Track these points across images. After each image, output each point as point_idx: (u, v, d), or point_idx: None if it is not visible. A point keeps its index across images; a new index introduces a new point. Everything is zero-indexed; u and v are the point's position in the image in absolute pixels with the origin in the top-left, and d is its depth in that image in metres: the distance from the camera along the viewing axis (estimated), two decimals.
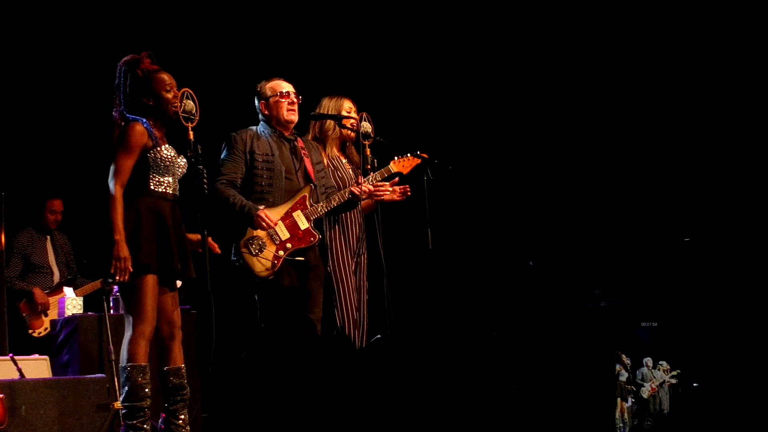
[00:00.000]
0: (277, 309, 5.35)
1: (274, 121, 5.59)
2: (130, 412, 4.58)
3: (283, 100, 5.56)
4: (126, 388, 4.56)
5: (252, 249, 5.34)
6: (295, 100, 5.61)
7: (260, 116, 5.65)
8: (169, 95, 4.70)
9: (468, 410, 5.16)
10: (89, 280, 6.98)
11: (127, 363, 4.56)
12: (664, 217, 8.25)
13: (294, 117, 5.60)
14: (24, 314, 6.97)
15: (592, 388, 6.54)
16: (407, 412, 5.01)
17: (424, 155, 5.77)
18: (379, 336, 5.49)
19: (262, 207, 5.37)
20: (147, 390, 4.57)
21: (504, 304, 8.02)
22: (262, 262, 5.33)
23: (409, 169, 5.78)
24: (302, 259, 5.39)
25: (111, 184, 4.54)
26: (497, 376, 5.46)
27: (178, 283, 4.86)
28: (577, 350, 6.75)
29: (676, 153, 8.30)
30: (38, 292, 7.00)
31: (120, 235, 4.47)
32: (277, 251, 5.35)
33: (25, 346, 6.42)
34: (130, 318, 4.59)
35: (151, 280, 4.59)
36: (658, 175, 8.35)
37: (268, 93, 5.60)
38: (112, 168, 4.57)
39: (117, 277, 4.48)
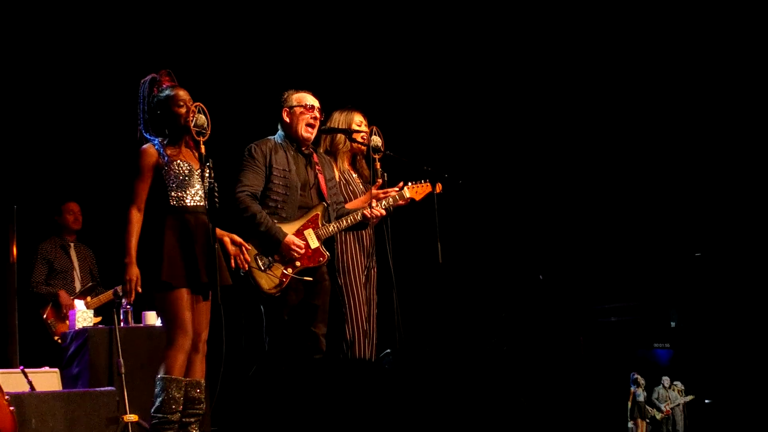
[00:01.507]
0: (282, 325, 5.33)
1: (292, 132, 5.52)
2: (160, 423, 4.62)
3: (306, 114, 5.51)
4: (160, 399, 4.61)
5: (261, 264, 5.31)
6: (317, 115, 5.55)
7: (280, 124, 5.58)
8: (182, 110, 4.78)
9: (477, 425, 5.15)
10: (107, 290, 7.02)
11: (164, 374, 4.62)
12: (674, 233, 8.24)
13: (310, 135, 5.54)
14: (49, 320, 6.98)
15: (603, 405, 6.52)
16: (416, 427, 5.00)
17: (439, 185, 5.74)
18: (388, 350, 5.48)
19: (284, 227, 5.34)
20: (180, 403, 4.62)
21: (514, 319, 8.00)
22: (270, 278, 5.30)
23: (422, 196, 5.75)
24: (311, 279, 5.36)
25: (126, 207, 4.72)
26: (507, 390, 5.44)
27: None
28: (588, 366, 6.73)
29: (687, 168, 8.29)
30: (64, 294, 7.03)
31: (129, 258, 4.66)
32: (285, 269, 5.31)
33: (36, 358, 6.43)
34: (169, 331, 4.69)
35: (183, 294, 4.68)
36: (670, 190, 8.34)
37: (294, 102, 5.53)
38: (127, 192, 4.74)
39: (124, 299, 4.69)
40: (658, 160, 8.37)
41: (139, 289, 4.67)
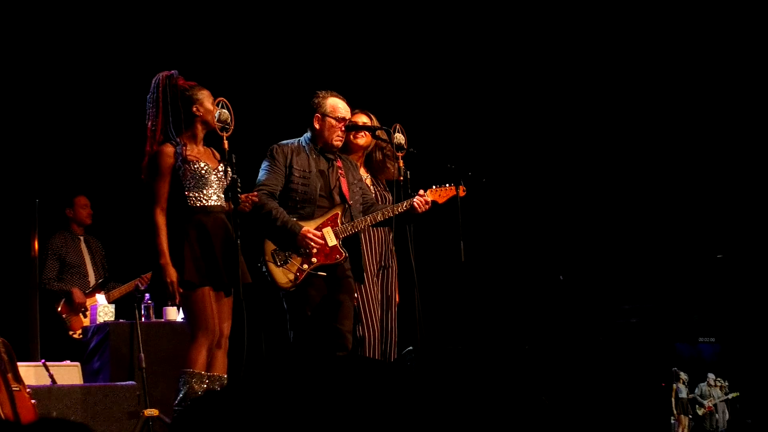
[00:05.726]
0: (306, 321, 5.32)
1: (321, 141, 5.47)
2: None
3: (337, 128, 5.45)
4: (182, 392, 4.67)
5: (277, 260, 5.31)
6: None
7: (309, 128, 5.50)
8: (213, 109, 4.82)
9: (498, 425, 5.12)
10: (121, 284, 7.00)
11: (186, 368, 4.71)
12: (695, 233, 8.20)
13: (341, 144, 5.55)
14: (63, 315, 6.94)
15: (644, 402, 6.50)
16: (437, 425, 4.97)
17: (462, 188, 5.68)
18: (410, 348, 5.46)
19: (302, 224, 5.32)
20: None
21: (535, 318, 7.98)
22: (286, 273, 5.29)
23: (445, 199, 5.68)
24: (324, 274, 5.35)
25: (151, 210, 4.75)
26: (528, 389, 5.41)
27: None
28: (613, 365, 6.71)
29: (709, 169, 8.26)
30: (77, 292, 6.96)
31: (165, 260, 4.71)
32: (301, 264, 5.30)
33: (58, 352, 6.44)
34: (192, 328, 4.78)
35: (205, 292, 4.75)
36: (691, 191, 8.31)
37: (327, 110, 5.44)
38: (151, 195, 4.76)
39: (169, 301, 4.82)
40: (681, 161, 8.33)
41: (181, 290, 4.72)
